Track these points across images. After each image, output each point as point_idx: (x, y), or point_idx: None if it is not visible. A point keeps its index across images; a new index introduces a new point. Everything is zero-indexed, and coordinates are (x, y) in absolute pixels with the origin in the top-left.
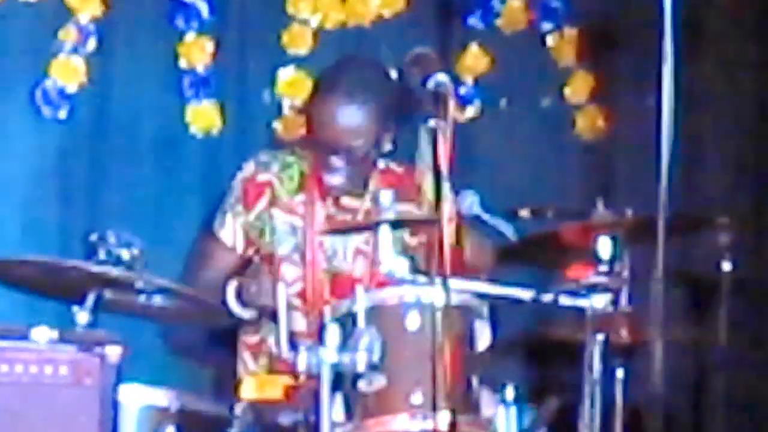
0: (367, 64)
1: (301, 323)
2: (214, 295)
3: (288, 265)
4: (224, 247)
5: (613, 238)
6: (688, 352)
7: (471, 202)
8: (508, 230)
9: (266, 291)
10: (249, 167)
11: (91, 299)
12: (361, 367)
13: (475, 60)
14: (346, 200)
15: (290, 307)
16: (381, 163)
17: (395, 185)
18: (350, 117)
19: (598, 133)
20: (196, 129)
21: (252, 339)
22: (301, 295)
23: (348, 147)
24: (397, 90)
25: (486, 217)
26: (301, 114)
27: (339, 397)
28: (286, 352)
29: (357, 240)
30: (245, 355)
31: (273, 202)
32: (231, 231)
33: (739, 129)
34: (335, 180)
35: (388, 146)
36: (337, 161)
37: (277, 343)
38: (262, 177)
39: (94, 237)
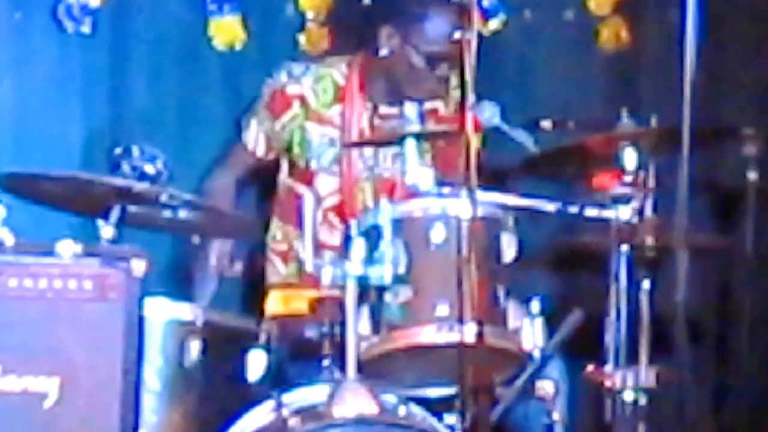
0: None
1: (331, 237)
2: (223, 193)
3: (325, 176)
4: (244, 148)
5: (638, 149)
6: (714, 262)
7: (491, 113)
8: (527, 141)
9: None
10: (281, 76)
11: (115, 214)
12: (386, 280)
13: None
14: (385, 109)
15: (324, 221)
16: None
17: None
18: (452, 33)
19: (622, 44)
20: (219, 43)
21: (281, 246)
22: (337, 208)
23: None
24: None
25: (505, 128)
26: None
27: (365, 310)
28: (310, 266)
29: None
30: (275, 260)
31: (306, 115)
32: (254, 134)
33: (765, 38)
34: (431, 84)
35: None
36: (428, 73)
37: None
38: (293, 89)
39: (118, 151)
